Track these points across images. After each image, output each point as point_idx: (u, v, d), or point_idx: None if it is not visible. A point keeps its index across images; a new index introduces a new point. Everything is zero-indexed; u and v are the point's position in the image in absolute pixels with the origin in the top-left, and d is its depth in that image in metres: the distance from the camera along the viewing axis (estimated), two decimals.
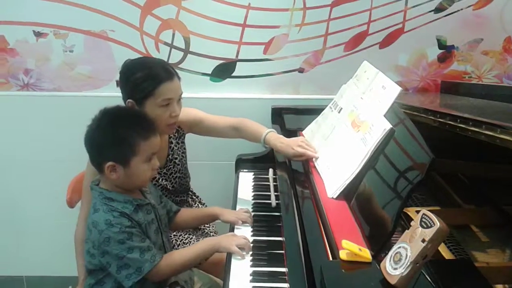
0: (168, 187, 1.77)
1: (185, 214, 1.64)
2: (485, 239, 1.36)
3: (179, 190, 1.83)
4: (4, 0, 2.09)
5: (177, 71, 1.62)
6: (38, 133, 2.27)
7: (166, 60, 2.18)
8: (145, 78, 1.53)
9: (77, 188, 1.70)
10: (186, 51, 2.19)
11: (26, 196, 2.37)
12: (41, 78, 2.22)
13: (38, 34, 2.14)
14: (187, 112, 1.74)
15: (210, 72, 2.22)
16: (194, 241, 1.76)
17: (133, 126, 1.33)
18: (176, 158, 1.78)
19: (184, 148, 1.84)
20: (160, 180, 1.74)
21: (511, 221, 1.42)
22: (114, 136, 1.31)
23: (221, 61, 2.20)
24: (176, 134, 1.79)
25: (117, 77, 2.14)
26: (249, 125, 1.76)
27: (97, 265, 1.34)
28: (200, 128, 1.81)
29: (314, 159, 1.59)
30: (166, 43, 2.17)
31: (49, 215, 2.34)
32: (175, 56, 2.19)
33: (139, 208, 1.36)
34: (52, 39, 2.15)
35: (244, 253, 1.36)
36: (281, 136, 1.69)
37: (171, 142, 1.77)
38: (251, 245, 1.41)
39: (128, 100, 1.56)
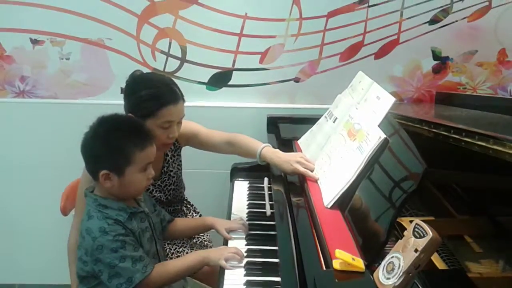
0: (162, 199, 1.76)
1: (179, 224, 1.63)
2: (479, 250, 1.36)
3: (173, 201, 1.82)
4: (1, 7, 2.09)
5: (174, 79, 1.63)
6: (33, 140, 2.26)
7: (162, 69, 2.19)
8: (149, 98, 1.52)
9: (71, 196, 1.70)
10: (183, 60, 2.19)
11: (20, 203, 2.36)
12: (37, 85, 2.22)
13: (34, 42, 2.15)
14: (184, 125, 1.71)
15: (206, 81, 2.23)
16: (188, 252, 1.75)
17: (129, 136, 1.32)
18: (171, 171, 1.76)
19: (180, 161, 1.82)
20: (154, 192, 1.73)
21: (505, 232, 1.42)
22: (109, 146, 1.31)
23: (218, 70, 2.21)
24: (172, 147, 1.77)
25: (114, 85, 2.20)
26: (243, 140, 1.72)
27: (89, 272, 1.33)
28: (196, 141, 1.79)
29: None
30: (162, 52, 2.18)
31: (42, 223, 2.33)
32: (172, 65, 2.20)
33: (133, 216, 1.36)
34: (49, 46, 2.16)
35: (236, 262, 1.36)
36: (278, 150, 1.66)
37: (167, 155, 1.75)
38: (244, 254, 1.40)
39: (129, 114, 1.54)
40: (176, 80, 1.64)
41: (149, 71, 2.17)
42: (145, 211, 1.42)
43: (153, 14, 2.12)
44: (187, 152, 1.85)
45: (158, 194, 1.74)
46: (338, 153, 1.48)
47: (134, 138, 1.32)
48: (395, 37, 2.18)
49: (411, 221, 1.28)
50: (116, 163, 1.30)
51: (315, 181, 1.52)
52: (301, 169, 1.55)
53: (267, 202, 1.68)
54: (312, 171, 1.55)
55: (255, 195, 1.85)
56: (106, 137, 1.32)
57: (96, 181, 1.35)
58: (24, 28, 2.13)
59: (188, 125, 1.77)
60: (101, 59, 2.18)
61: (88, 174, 1.44)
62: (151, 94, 1.52)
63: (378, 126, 1.35)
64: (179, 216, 1.83)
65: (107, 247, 1.27)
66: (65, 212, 1.71)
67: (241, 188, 1.94)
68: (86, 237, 1.30)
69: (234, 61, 2.20)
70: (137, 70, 1.62)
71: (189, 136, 1.77)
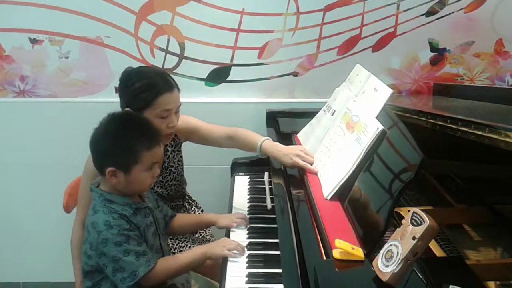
0: (164, 194, 1.77)
1: (181, 219, 1.65)
2: (477, 238, 1.38)
3: (174, 196, 1.84)
4: (0, 7, 2.10)
5: (173, 76, 1.64)
6: (34, 139, 2.28)
7: (161, 65, 2.20)
8: (144, 89, 1.53)
9: (74, 193, 1.71)
10: (181, 56, 2.20)
11: (23, 201, 2.37)
12: (37, 84, 2.23)
13: (33, 41, 2.16)
14: (184, 120, 1.73)
15: (205, 77, 2.24)
16: (191, 246, 1.77)
17: (138, 135, 1.34)
18: (172, 166, 1.78)
19: (181, 156, 1.83)
20: (156, 187, 1.74)
21: (502, 220, 1.43)
22: (118, 143, 1.33)
23: (216, 66, 2.22)
24: (172, 143, 1.78)
25: (113, 83, 2.20)
26: (243, 134, 1.73)
27: (93, 266, 1.35)
28: (196, 136, 1.80)
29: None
30: (161, 49, 2.19)
31: (45, 221, 2.35)
32: (170, 62, 2.21)
33: (137, 211, 1.38)
34: (48, 45, 2.17)
35: (237, 253, 1.38)
36: (277, 143, 1.67)
37: (167, 150, 1.77)
38: (245, 247, 1.42)
39: (126, 108, 1.55)
40: (175, 77, 1.65)
41: None
42: (149, 207, 1.44)
43: (151, 11, 2.13)
44: (187, 148, 1.87)
45: (160, 190, 1.75)
46: (337, 145, 1.50)
47: (142, 138, 1.34)
48: (392, 29, 2.19)
49: (409, 211, 1.30)
50: (123, 161, 1.32)
51: (315, 173, 1.53)
52: (301, 162, 1.56)
53: (267, 196, 1.70)
54: (311, 164, 1.57)
55: (255, 189, 1.86)
56: (115, 135, 1.34)
57: (102, 176, 1.37)
58: (23, 28, 2.14)
59: (188, 120, 1.78)
60: (100, 57, 2.19)
61: (89, 171, 1.46)
62: (146, 85, 1.53)
63: (376, 117, 1.36)
64: (181, 212, 1.84)
65: (111, 240, 1.29)
66: (68, 209, 1.73)
67: (242, 182, 1.95)
68: (91, 231, 1.32)
69: (233, 56, 2.21)
70: (128, 66, 1.63)
71: (189, 132, 1.79)
